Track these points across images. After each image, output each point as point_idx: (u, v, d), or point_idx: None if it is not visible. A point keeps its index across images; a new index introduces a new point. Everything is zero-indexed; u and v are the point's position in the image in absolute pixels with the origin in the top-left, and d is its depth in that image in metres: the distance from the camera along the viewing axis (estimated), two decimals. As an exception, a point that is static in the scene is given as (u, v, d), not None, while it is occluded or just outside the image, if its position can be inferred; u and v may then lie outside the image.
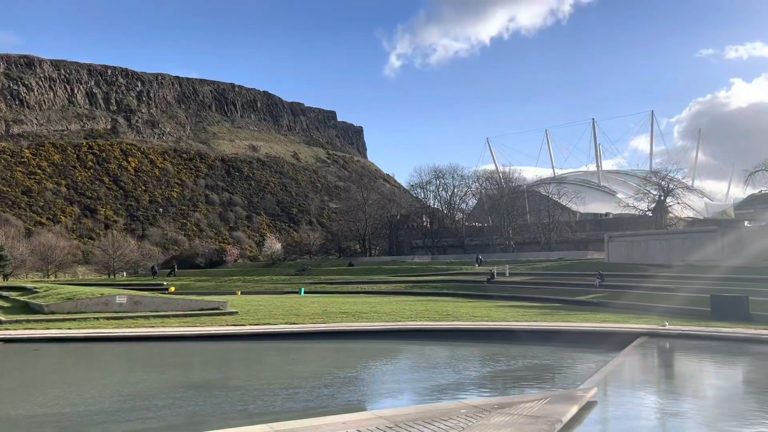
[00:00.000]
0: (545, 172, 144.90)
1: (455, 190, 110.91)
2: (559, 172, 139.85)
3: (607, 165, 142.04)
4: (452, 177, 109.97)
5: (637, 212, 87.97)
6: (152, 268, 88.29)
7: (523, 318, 27.21)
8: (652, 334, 21.46)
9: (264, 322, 24.99)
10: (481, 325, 23.37)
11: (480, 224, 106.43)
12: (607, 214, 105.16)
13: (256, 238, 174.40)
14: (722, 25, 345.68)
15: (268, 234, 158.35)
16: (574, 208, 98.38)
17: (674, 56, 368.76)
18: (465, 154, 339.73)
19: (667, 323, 23.69)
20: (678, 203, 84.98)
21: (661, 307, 30.69)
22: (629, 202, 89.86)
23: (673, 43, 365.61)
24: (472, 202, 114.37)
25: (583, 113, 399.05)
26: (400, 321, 25.09)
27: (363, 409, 10.63)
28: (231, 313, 29.21)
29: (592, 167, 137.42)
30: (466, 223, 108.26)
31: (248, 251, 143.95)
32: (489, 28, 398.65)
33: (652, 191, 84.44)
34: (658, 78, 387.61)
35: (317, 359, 18.32)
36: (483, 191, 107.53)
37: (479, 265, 68.98)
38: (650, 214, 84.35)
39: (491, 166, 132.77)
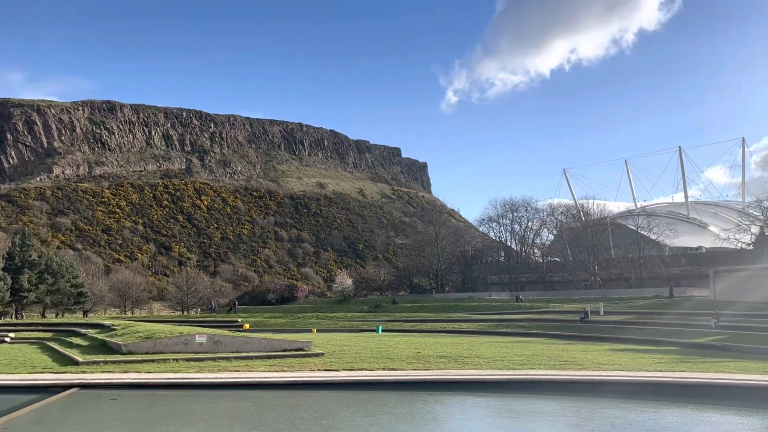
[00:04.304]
0: (626, 205, 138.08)
1: (529, 223, 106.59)
2: (641, 204, 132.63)
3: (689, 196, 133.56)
4: (526, 210, 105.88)
5: (735, 245, 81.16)
6: (210, 305, 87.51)
7: (659, 366, 23.14)
8: None
9: (359, 367, 22.11)
10: (620, 375, 19.60)
11: (560, 259, 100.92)
12: (699, 248, 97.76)
13: (323, 274, 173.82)
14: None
15: (336, 270, 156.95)
16: (664, 242, 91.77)
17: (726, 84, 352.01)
18: (532, 187, 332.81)
19: None
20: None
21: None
22: (728, 235, 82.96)
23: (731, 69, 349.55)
24: (548, 236, 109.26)
25: (657, 143, 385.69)
26: (516, 368, 21.62)
27: None
28: (317, 355, 26.63)
29: (678, 198, 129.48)
30: (548, 258, 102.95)
31: (317, 287, 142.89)
32: (549, 60, 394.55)
33: (756, 222, 77.58)
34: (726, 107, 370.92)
35: (444, 419, 15.09)
36: (561, 225, 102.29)
37: (518, 302, 69.13)
38: (751, 248, 77.51)
39: (565, 200, 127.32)
